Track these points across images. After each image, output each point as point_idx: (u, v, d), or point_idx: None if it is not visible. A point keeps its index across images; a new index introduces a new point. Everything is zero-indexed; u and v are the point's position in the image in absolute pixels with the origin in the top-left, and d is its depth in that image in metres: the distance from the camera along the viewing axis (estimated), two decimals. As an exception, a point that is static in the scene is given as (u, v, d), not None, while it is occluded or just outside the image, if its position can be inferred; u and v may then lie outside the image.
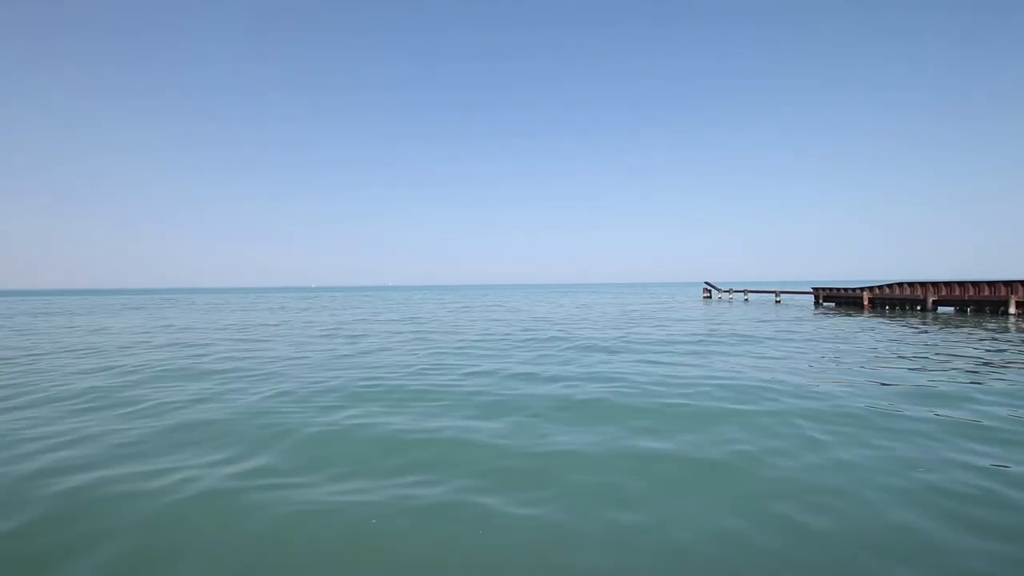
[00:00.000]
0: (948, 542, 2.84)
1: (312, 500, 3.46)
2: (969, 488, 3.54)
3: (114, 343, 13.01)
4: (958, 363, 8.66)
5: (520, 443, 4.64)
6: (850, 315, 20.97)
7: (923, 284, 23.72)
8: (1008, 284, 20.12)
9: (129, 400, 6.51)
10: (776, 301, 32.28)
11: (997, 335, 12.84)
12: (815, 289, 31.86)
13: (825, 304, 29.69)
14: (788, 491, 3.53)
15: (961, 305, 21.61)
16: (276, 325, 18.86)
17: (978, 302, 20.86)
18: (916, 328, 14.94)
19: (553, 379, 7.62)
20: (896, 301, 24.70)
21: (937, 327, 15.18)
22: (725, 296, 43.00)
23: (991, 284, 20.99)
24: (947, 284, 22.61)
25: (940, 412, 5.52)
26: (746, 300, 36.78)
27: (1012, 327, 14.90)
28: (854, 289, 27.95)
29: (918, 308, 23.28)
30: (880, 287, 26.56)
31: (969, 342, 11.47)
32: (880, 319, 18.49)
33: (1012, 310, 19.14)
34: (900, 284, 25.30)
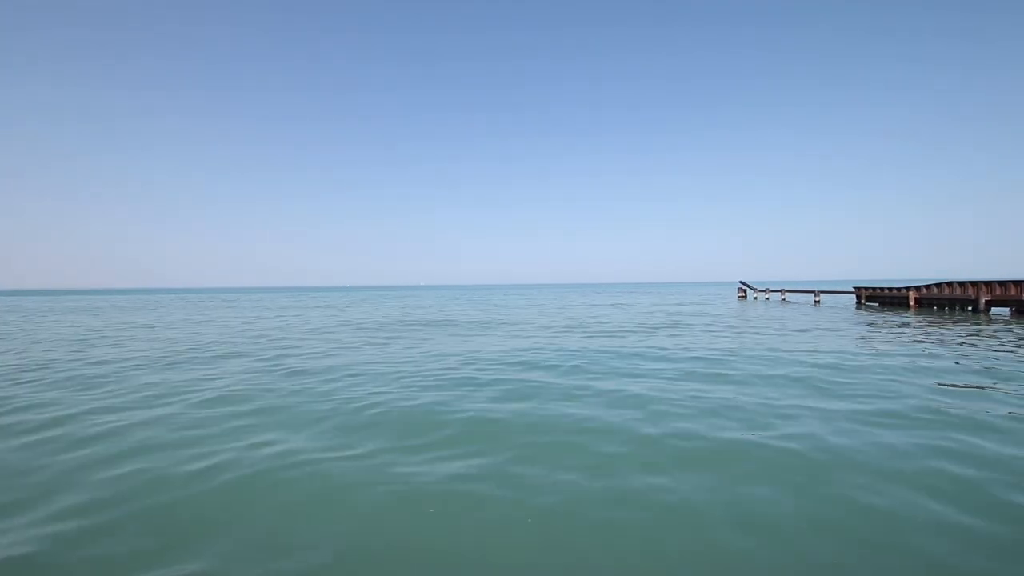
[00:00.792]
0: None
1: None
2: None
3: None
4: None
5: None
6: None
7: (974, 283, 22.67)
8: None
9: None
10: (815, 302, 31.43)
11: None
12: (857, 289, 30.87)
13: (867, 304, 28.78)
14: None
15: (1018, 306, 20.53)
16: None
17: (1036, 302, 19.86)
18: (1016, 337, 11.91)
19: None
20: (945, 301, 23.72)
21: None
22: (761, 296, 42.05)
23: (1050, 283, 19.96)
24: (1001, 283, 21.55)
25: None
26: (783, 300, 35.92)
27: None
28: (898, 289, 26.98)
29: (969, 309, 22.32)
30: (927, 286, 25.54)
31: None
32: (958, 328, 14.53)
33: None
34: (949, 283, 24.25)
